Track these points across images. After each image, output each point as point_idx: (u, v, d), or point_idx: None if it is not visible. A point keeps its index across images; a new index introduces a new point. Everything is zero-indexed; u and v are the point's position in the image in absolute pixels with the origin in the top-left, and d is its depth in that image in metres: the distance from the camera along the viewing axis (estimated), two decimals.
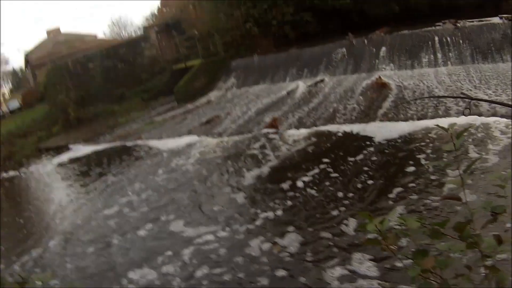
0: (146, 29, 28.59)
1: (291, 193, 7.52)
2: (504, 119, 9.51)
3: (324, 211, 6.73)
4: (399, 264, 4.82)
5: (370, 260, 5.22)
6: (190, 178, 9.51)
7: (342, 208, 6.70)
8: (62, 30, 41.92)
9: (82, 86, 24.20)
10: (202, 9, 25.42)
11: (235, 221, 6.84)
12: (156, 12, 36.86)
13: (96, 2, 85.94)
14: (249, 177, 8.79)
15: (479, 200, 5.93)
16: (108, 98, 24.27)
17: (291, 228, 6.29)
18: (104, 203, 9.22)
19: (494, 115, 9.88)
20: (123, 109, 23.02)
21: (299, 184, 7.94)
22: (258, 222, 6.65)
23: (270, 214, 6.87)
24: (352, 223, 6.11)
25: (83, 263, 6.88)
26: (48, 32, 41.47)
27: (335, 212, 6.56)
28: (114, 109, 23.12)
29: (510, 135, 8.63)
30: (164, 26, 27.49)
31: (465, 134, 2.37)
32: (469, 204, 4.73)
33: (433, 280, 2.00)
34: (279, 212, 6.88)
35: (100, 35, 43.66)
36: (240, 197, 7.78)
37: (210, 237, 6.46)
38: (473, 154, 7.93)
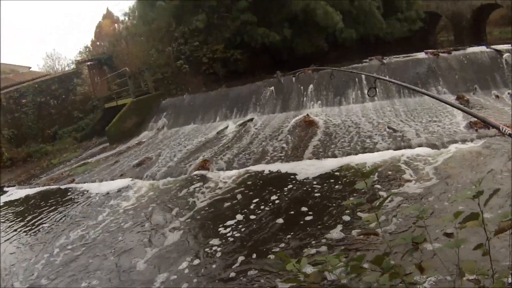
0: (78, 63, 28.02)
1: (207, 249, 7.42)
2: (431, 149, 9.89)
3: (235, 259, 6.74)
4: None
5: None
6: (116, 230, 9.25)
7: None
8: None
9: (15, 123, 23.30)
10: (134, 45, 25.30)
11: None
12: (89, 45, 36.25)
13: (33, 34, 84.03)
14: (173, 230, 8.56)
15: (399, 232, 6.11)
16: (41, 137, 23.60)
17: None
18: (29, 260, 8.88)
19: (420, 145, 10.20)
20: (56, 149, 22.33)
21: (223, 230, 7.86)
22: None
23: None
24: None
25: None
26: None
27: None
28: (48, 149, 22.39)
29: (433, 166, 8.93)
30: (96, 61, 27.08)
31: (374, 173, 2.42)
32: (390, 237, 4.84)
33: None
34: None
35: (34, 68, 42.66)
36: (158, 260, 7.55)
37: None
38: (390, 189, 8.11)
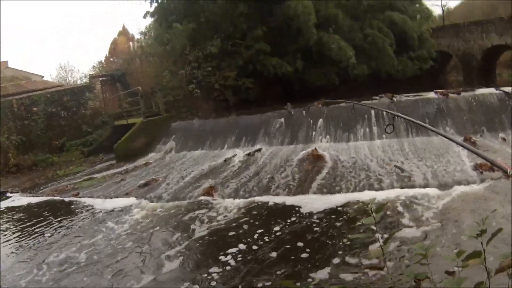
0: (91, 78, 28.28)
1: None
2: (436, 190, 10.03)
3: None
4: None
5: None
6: (115, 250, 9.20)
7: None
8: (10, 65, 40.93)
9: (23, 131, 23.42)
10: (148, 64, 25.53)
11: None
12: (103, 60, 36.61)
13: (48, 43, 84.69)
14: (172, 256, 8.50)
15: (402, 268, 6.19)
16: (48, 147, 23.73)
17: None
18: (18, 271, 8.82)
19: (426, 186, 10.29)
20: (62, 161, 22.48)
21: (223, 259, 7.95)
22: None
23: None
24: None
25: None
26: None
27: None
28: (54, 160, 22.54)
29: (438, 206, 9.10)
30: (109, 77, 27.34)
31: (384, 208, 2.49)
32: (393, 272, 4.90)
33: None
34: None
35: (47, 77, 42.95)
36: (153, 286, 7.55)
37: None
38: (396, 226, 8.28)
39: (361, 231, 8.01)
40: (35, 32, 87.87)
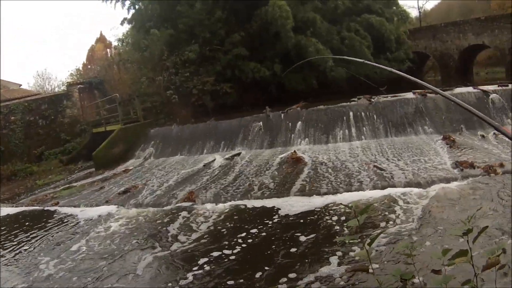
0: (69, 85, 28.08)
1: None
2: (417, 189, 9.99)
3: None
4: None
5: None
6: (91, 264, 8.84)
7: None
8: None
9: (2, 140, 23.24)
10: (125, 71, 25.43)
11: None
12: (80, 67, 36.37)
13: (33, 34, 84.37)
14: (149, 264, 8.32)
15: (388, 269, 6.10)
16: (27, 156, 23.57)
17: None
18: None
19: (407, 185, 10.32)
20: (41, 170, 22.25)
21: (202, 264, 7.81)
22: None
23: None
24: None
25: None
26: None
27: None
28: (33, 169, 22.32)
29: (420, 204, 9.05)
30: (87, 84, 27.21)
31: (368, 210, 2.46)
32: (379, 273, 4.87)
33: None
34: None
35: (25, 85, 42.64)
36: None
37: None
38: (379, 226, 8.20)
39: (344, 233, 8.00)
40: (35, 32, 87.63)
